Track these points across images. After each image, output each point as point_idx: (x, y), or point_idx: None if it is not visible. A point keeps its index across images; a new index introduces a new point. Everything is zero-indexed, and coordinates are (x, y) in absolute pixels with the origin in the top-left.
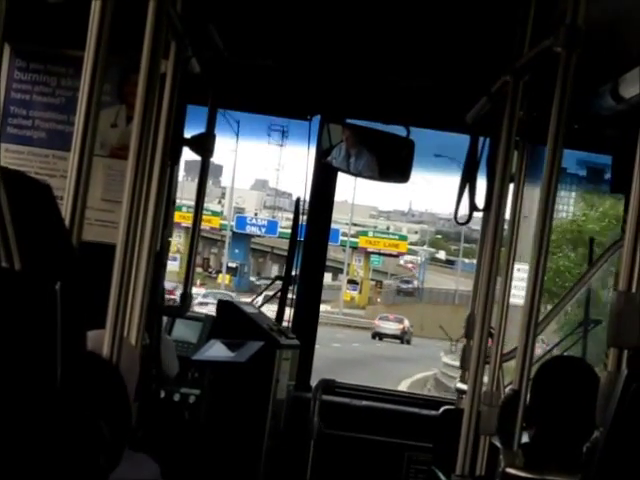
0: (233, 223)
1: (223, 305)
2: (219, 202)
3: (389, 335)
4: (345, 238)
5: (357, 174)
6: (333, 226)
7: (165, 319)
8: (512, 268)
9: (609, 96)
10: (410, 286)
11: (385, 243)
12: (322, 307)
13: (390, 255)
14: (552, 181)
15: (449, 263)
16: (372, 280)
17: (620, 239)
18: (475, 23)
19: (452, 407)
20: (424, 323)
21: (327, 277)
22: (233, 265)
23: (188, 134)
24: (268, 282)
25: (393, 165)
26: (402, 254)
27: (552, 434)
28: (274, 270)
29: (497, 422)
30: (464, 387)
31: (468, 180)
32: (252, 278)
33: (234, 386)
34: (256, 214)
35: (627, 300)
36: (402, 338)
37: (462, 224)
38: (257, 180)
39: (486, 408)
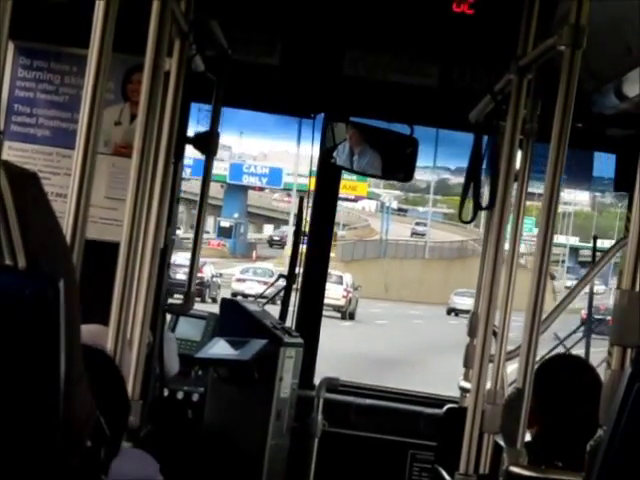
0: None
1: (227, 303)
2: None
3: (464, 311)
4: (290, 180)
5: (361, 172)
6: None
7: (169, 317)
8: (516, 267)
9: (613, 95)
10: (425, 229)
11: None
12: (261, 265)
13: (347, 199)
14: (556, 180)
15: (401, 211)
16: None
17: (624, 237)
18: (479, 22)
19: (455, 406)
20: (390, 282)
21: (268, 229)
22: None
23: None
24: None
25: (397, 163)
26: (360, 198)
27: (555, 432)
28: (209, 223)
29: (501, 420)
30: (468, 385)
31: (472, 179)
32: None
33: (238, 384)
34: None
35: (631, 299)
36: None
37: (467, 222)
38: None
39: (490, 407)
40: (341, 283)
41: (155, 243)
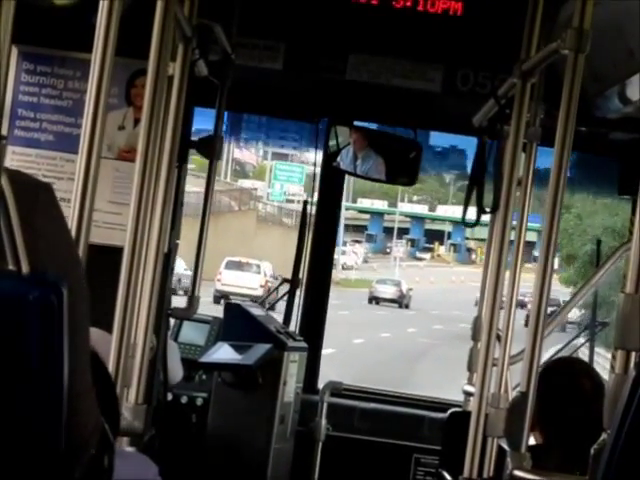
0: None
1: (230, 307)
2: None
3: (387, 299)
4: None
5: (364, 176)
6: None
7: (172, 321)
8: (520, 270)
9: (616, 99)
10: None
11: None
12: None
13: None
14: (559, 184)
15: None
16: None
17: (628, 241)
18: (482, 26)
19: (459, 410)
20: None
21: None
22: None
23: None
24: None
25: (400, 167)
26: None
27: (558, 436)
28: None
29: (505, 424)
30: (471, 389)
31: (476, 183)
32: None
33: (241, 389)
34: None
35: (634, 303)
36: (401, 302)
37: (470, 226)
38: None
39: (493, 410)
40: (259, 272)
41: (159, 247)
